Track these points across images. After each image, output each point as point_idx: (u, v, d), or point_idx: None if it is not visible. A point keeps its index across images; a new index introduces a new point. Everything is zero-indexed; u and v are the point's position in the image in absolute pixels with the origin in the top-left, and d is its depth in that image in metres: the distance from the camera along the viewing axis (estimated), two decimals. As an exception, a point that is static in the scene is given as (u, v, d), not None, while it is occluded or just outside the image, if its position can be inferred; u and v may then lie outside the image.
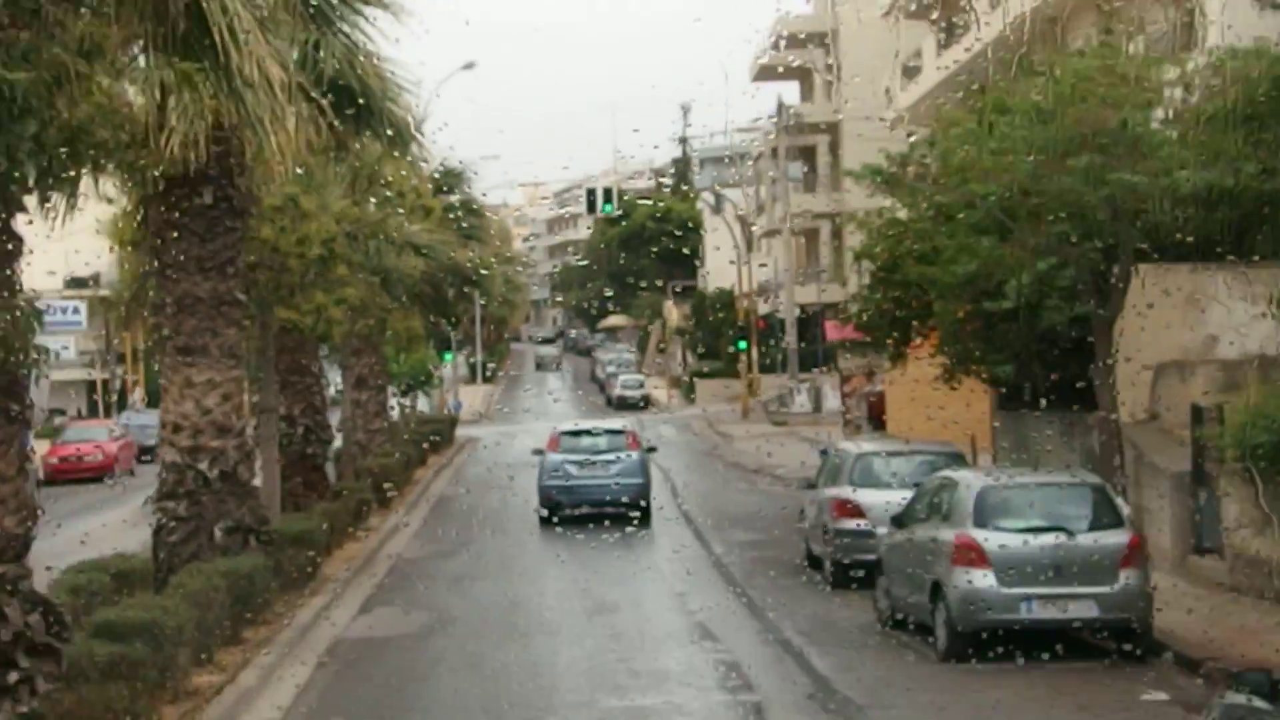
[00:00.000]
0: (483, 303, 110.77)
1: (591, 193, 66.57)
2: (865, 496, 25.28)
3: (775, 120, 71.40)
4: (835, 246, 79.99)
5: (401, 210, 28.76)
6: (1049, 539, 18.99)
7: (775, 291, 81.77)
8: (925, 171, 27.15)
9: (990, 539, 18.99)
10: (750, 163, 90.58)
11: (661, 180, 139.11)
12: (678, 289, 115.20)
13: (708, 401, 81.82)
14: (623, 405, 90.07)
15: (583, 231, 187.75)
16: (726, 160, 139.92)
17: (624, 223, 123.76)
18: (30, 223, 15.36)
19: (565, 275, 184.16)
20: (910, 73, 62.33)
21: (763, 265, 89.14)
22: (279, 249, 26.01)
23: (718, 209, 78.58)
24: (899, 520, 21.67)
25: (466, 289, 44.91)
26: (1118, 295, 23.58)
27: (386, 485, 38.23)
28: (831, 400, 66.81)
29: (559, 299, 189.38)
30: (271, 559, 22.35)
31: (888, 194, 29.65)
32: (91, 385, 72.27)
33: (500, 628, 22.64)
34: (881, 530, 23.64)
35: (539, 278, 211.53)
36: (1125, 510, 20.27)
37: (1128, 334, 24.40)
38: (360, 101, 23.01)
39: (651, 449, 37.64)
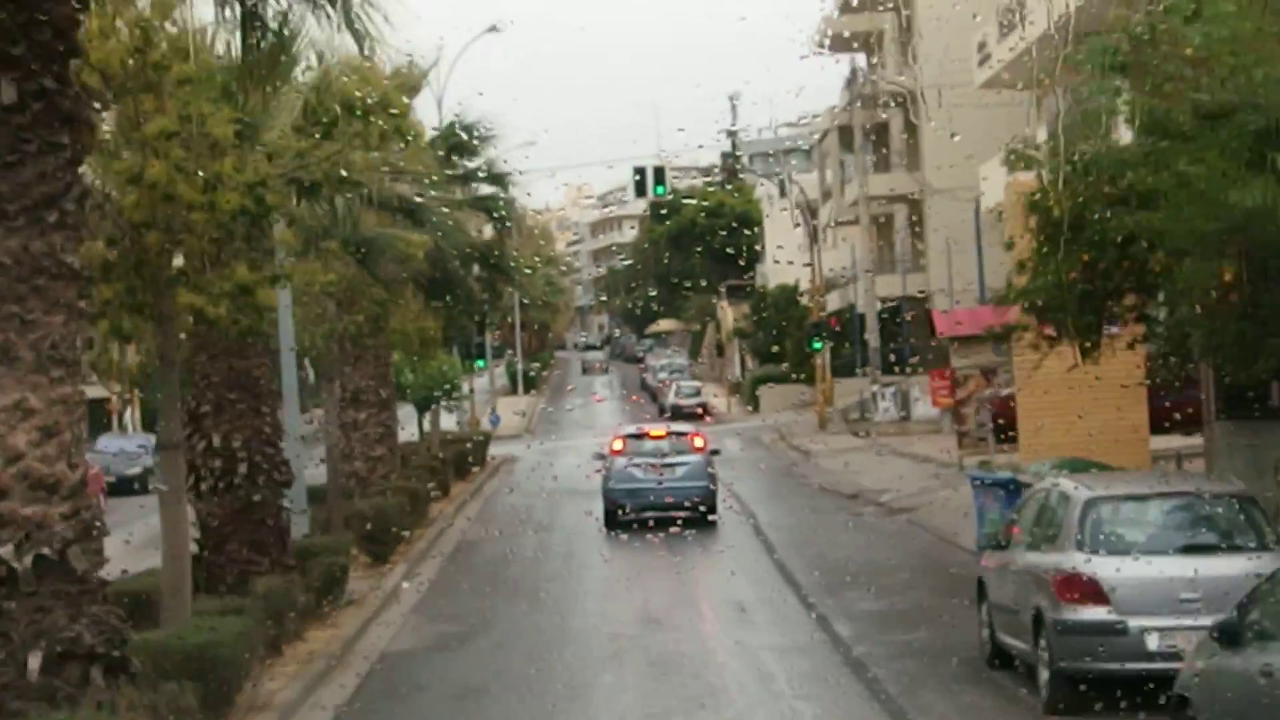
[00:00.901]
0: (525, 301, 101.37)
1: (640, 173, 57.04)
2: (1106, 568, 15.60)
3: (852, 83, 61.66)
4: (914, 232, 70.23)
5: (375, 148, 18.86)
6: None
7: (850, 284, 72.00)
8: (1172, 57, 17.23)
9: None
10: (809, 148, 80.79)
11: (708, 180, 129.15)
12: (732, 288, 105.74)
13: (773, 410, 72.17)
14: (677, 415, 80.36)
15: (627, 234, 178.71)
16: (773, 155, 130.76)
17: (670, 221, 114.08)
18: None
19: (611, 279, 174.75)
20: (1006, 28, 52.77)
21: (837, 247, 79.47)
22: (176, 196, 16.58)
23: (783, 192, 68.80)
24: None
25: (490, 275, 35.20)
26: None
27: (394, 529, 28.79)
28: (922, 406, 57.07)
29: (604, 299, 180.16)
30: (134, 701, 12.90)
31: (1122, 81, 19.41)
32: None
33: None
34: (1138, 622, 14.59)
35: (584, 282, 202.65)
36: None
37: None
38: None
39: (715, 451, 36.06)
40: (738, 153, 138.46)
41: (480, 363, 57.36)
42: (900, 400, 57.94)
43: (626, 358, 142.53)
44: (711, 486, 33.57)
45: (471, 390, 58.91)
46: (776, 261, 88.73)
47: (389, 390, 34.08)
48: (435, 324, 37.52)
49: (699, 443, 34.64)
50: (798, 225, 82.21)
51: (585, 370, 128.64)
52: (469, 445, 49.06)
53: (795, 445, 54.44)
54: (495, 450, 62.11)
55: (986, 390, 37.96)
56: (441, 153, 33.27)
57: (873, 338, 59.14)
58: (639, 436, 34.58)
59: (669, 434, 35.15)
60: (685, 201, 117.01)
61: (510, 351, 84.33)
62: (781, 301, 79.95)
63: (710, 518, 33.26)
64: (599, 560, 29.86)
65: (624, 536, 32.80)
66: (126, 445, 50.23)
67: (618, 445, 34.23)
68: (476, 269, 33.40)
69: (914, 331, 63.72)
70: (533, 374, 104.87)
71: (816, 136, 79.59)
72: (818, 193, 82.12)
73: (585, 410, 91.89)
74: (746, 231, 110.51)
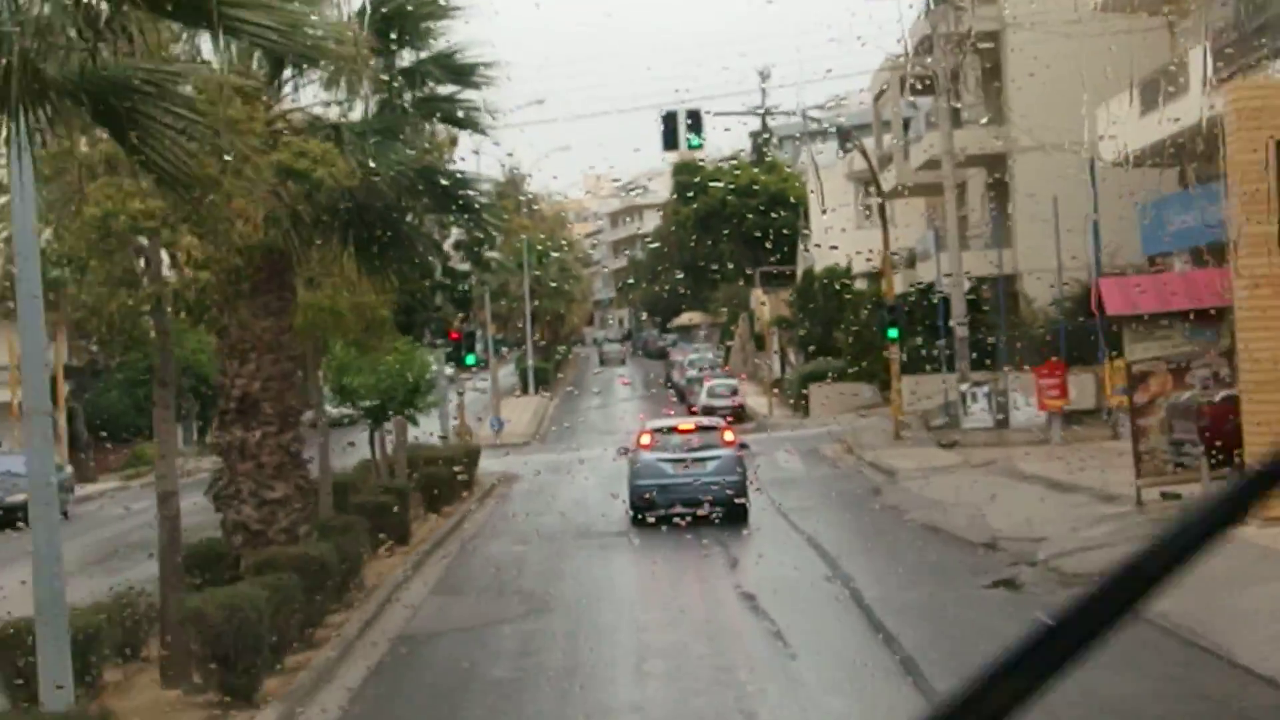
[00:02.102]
0: (534, 288, 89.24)
1: (670, 120, 44.75)
2: None
3: (936, 6, 49.21)
4: (997, 199, 57.88)
5: None
6: None
7: (918, 262, 59.61)
8: None
9: None
10: (867, 107, 68.35)
11: (734, 164, 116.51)
12: (767, 275, 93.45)
13: (826, 412, 59.89)
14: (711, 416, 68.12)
15: (649, 225, 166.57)
16: (800, 139, 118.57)
17: (697, 202, 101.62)
18: None
19: (633, 269, 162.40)
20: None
21: (895, 222, 67.04)
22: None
23: (845, 148, 56.39)
24: None
25: (449, 212, 22.64)
26: None
27: (261, 650, 16.49)
28: (1024, 411, 44.76)
29: (631, 282, 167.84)
30: None
31: None
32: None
33: None
34: None
35: (604, 275, 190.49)
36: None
37: None
38: None
39: (744, 445, 34.28)
40: (767, 133, 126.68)
41: (470, 358, 45.09)
42: (994, 403, 45.56)
43: (649, 352, 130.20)
44: (744, 479, 31.95)
45: (461, 393, 46.61)
46: (818, 245, 76.27)
47: (294, 396, 21.69)
48: (382, 299, 25.25)
49: (729, 436, 33.25)
50: (870, 192, 69.84)
51: (603, 361, 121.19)
52: (453, 465, 36.77)
53: (871, 461, 42.06)
54: (492, 464, 49.95)
55: (1184, 394, 25.50)
56: (375, 30, 20.81)
57: (960, 325, 46.75)
58: (667, 431, 33.21)
59: (698, 428, 33.66)
60: (712, 185, 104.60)
61: (515, 351, 71.43)
62: (831, 285, 67.59)
63: (738, 501, 31.46)
64: (629, 669, 17.60)
65: (663, 630, 20.35)
66: (13, 465, 37.98)
67: (645, 439, 32.73)
68: (427, 203, 20.93)
69: (1004, 316, 51.48)
70: (546, 370, 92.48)
71: (874, 92, 67.13)
72: (874, 160, 69.67)
73: (604, 411, 79.52)
74: (782, 212, 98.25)
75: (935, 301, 51.87)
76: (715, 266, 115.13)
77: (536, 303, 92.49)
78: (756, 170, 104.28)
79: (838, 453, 45.96)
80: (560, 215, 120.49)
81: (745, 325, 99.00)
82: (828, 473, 41.47)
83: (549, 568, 26.27)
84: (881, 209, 60.67)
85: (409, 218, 21.72)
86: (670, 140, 44.92)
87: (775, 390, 71.40)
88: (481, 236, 33.90)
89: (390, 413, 30.65)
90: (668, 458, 31.84)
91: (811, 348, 68.48)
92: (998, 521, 28.24)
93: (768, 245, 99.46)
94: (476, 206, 21.72)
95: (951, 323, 47.15)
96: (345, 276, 23.68)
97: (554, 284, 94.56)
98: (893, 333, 45.80)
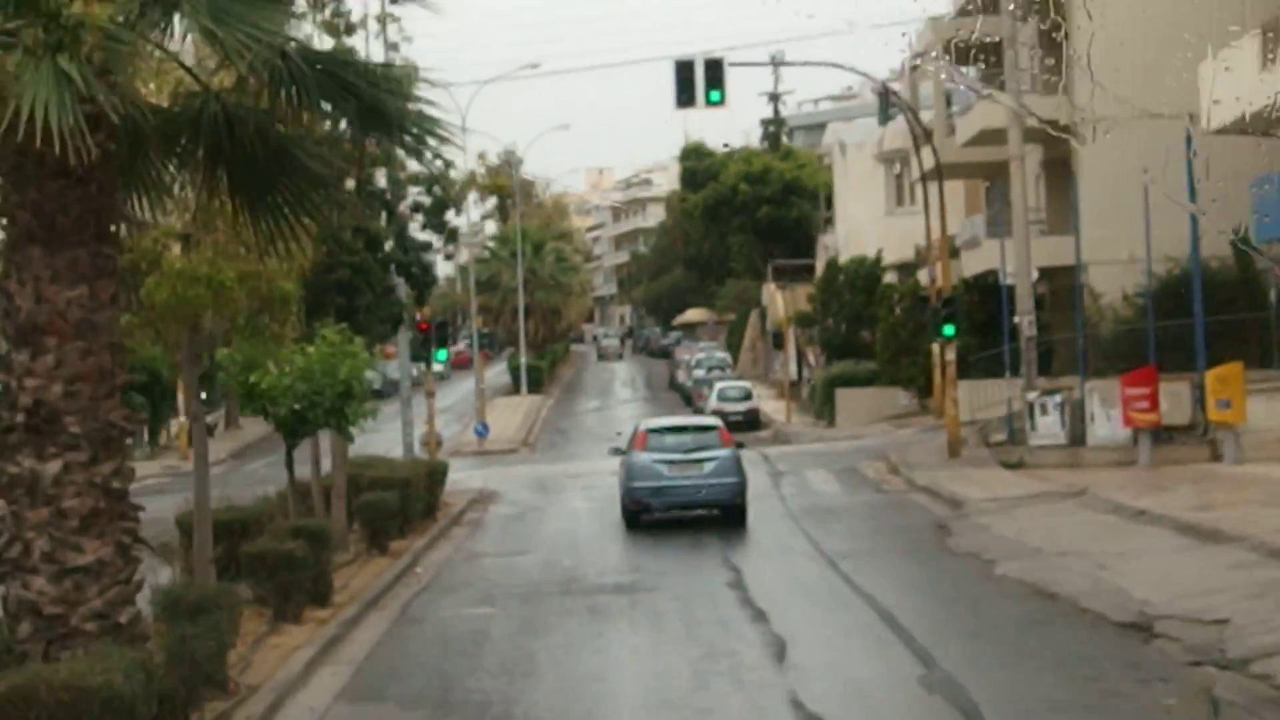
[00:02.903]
0: (531, 287, 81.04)
1: (685, 71, 36.93)
2: None
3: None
4: (1055, 179, 50.08)
5: None
6: None
7: (968, 249, 51.71)
8: None
9: None
10: (904, 74, 60.31)
11: (746, 151, 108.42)
12: (781, 269, 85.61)
13: (856, 421, 52.10)
14: (722, 425, 60.31)
15: (651, 220, 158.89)
16: (810, 130, 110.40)
17: (706, 189, 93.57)
18: None
19: (635, 263, 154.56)
20: None
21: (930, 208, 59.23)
22: None
23: (887, 111, 48.55)
24: None
25: (381, 140, 14.59)
26: None
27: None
28: (1105, 426, 36.92)
29: (625, 281, 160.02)
30: None
31: None
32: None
33: None
34: None
35: (605, 271, 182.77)
36: None
37: None
38: None
39: (740, 445, 32.22)
40: (781, 118, 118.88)
41: (441, 354, 37.29)
42: (1067, 414, 37.62)
43: (651, 351, 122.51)
44: (742, 481, 30.68)
45: (430, 394, 38.73)
46: (839, 232, 68.36)
47: (114, 407, 13.79)
48: (285, 268, 17.40)
49: (726, 435, 31.95)
50: (902, 175, 62.02)
51: (601, 356, 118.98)
52: (408, 488, 28.90)
53: (926, 485, 34.10)
54: (472, 477, 42.30)
55: None
56: None
57: (1027, 323, 38.80)
58: (663, 431, 31.83)
59: (695, 427, 32.57)
60: (722, 151, 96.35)
61: (489, 342, 63.16)
62: (860, 278, 59.73)
63: (737, 503, 30.27)
64: None
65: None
66: None
67: (638, 441, 31.36)
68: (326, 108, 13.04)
69: (1079, 313, 43.71)
70: (540, 370, 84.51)
71: (914, 62, 59.13)
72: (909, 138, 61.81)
73: (602, 415, 71.64)
74: (799, 201, 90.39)
75: (986, 296, 43.99)
76: (724, 260, 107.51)
77: (530, 296, 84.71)
78: (770, 156, 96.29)
79: (880, 473, 38.04)
80: (560, 204, 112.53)
81: (756, 323, 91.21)
82: (873, 500, 33.54)
83: (518, 651, 18.37)
84: (940, 177, 52.68)
85: (304, 132, 13.87)
86: (685, 95, 37.08)
87: (792, 394, 63.48)
88: (436, 188, 26.17)
89: (306, 428, 22.69)
90: (664, 459, 30.42)
91: (835, 347, 60.57)
92: (1136, 585, 20.35)
93: (782, 237, 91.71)
94: (401, 116, 13.75)
95: (1016, 319, 39.23)
96: (238, 235, 15.94)
97: (550, 276, 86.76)
98: (949, 329, 37.84)
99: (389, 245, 25.88)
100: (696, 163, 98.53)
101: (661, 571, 24.70)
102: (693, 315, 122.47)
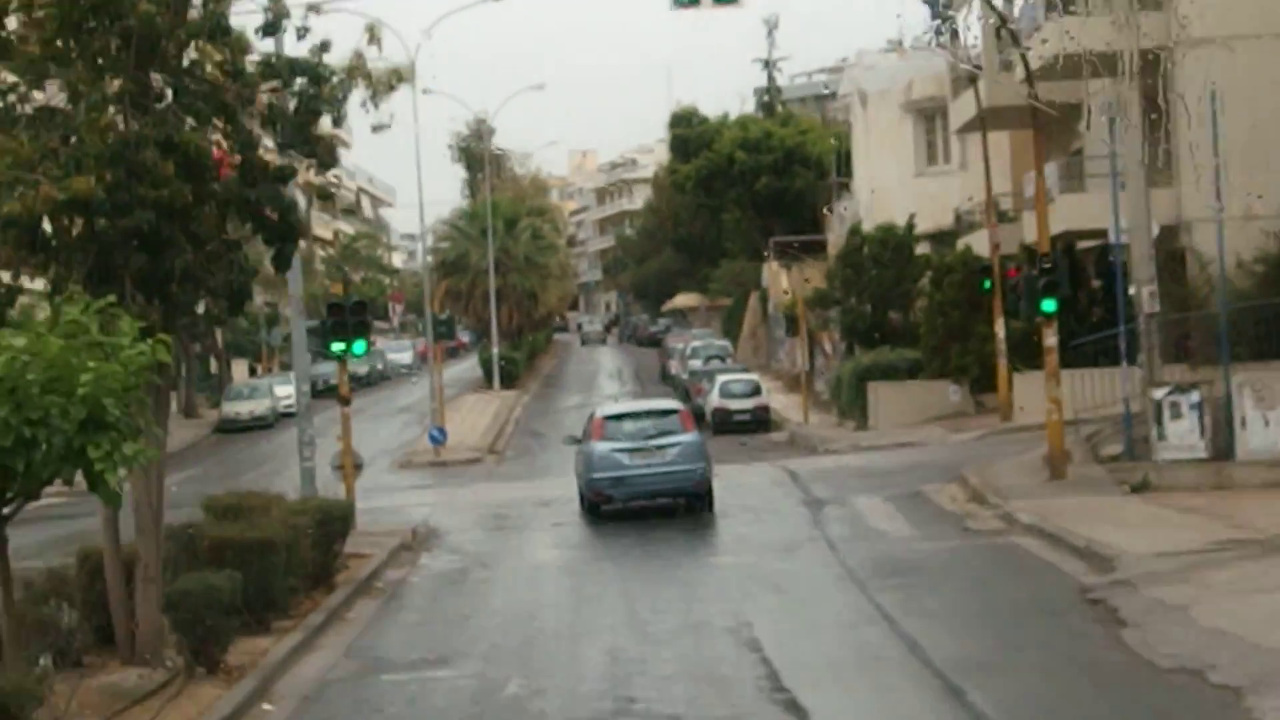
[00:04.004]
0: (504, 268, 69.95)
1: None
2: None
3: None
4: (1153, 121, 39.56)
5: None
6: None
7: (1032, 208, 41.18)
8: None
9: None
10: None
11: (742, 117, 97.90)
12: (784, 246, 75.30)
13: (894, 421, 41.74)
14: (726, 426, 50.18)
15: (638, 201, 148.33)
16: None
17: (699, 159, 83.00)
18: None
19: (621, 247, 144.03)
20: None
21: (968, 166, 48.68)
22: None
23: (939, 32, 38.22)
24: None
25: None
26: None
27: None
28: (1262, 433, 26.68)
29: (610, 266, 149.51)
30: None
31: None
32: None
33: None
34: None
35: (589, 257, 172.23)
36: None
37: None
38: None
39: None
40: (777, 86, 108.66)
41: (359, 346, 26.81)
42: (1203, 418, 27.24)
43: (640, 340, 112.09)
44: (707, 466, 28.66)
45: (346, 399, 28.20)
46: (857, 198, 57.92)
47: None
48: None
49: (687, 418, 30.04)
50: (934, 129, 51.66)
51: (585, 342, 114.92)
52: (268, 555, 18.44)
53: (1032, 523, 23.53)
54: (411, 503, 32.21)
55: None
56: None
57: (1148, 294, 28.35)
58: (620, 417, 29.84)
59: (654, 412, 30.29)
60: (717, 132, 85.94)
61: (445, 330, 52.53)
62: (888, 249, 49.31)
63: (702, 490, 28.43)
64: None
65: None
66: None
67: (595, 429, 29.31)
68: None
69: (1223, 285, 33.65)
70: (515, 361, 73.94)
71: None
72: (942, 87, 51.39)
73: (585, 414, 60.89)
74: (802, 171, 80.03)
75: (1077, 260, 33.70)
76: (717, 240, 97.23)
77: (503, 278, 74.18)
78: (769, 122, 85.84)
79: (958, 500, 27.54)
80: (539, 182, 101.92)
81: (757, 307, 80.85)
82: (965, 549, 23.06)
83: None
84: (982, 128, 42.48)
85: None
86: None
87: (807, 388, 53.05)
88: (301, 80, 15.90)
89: (30, 473, 12.25)
90: (623, 447, 28.88)
91: (862, 334, 50.12)
92: None
93: (784, 211, 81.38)
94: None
95: (1132, 289, 28.83)
96: None
97: (525, 257, 76.22)
98: (1049, 304, 27.22)
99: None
100: (688, 130, 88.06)
101: (673, 714, 14.37)
102: (683, 300, 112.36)
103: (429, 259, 75.41)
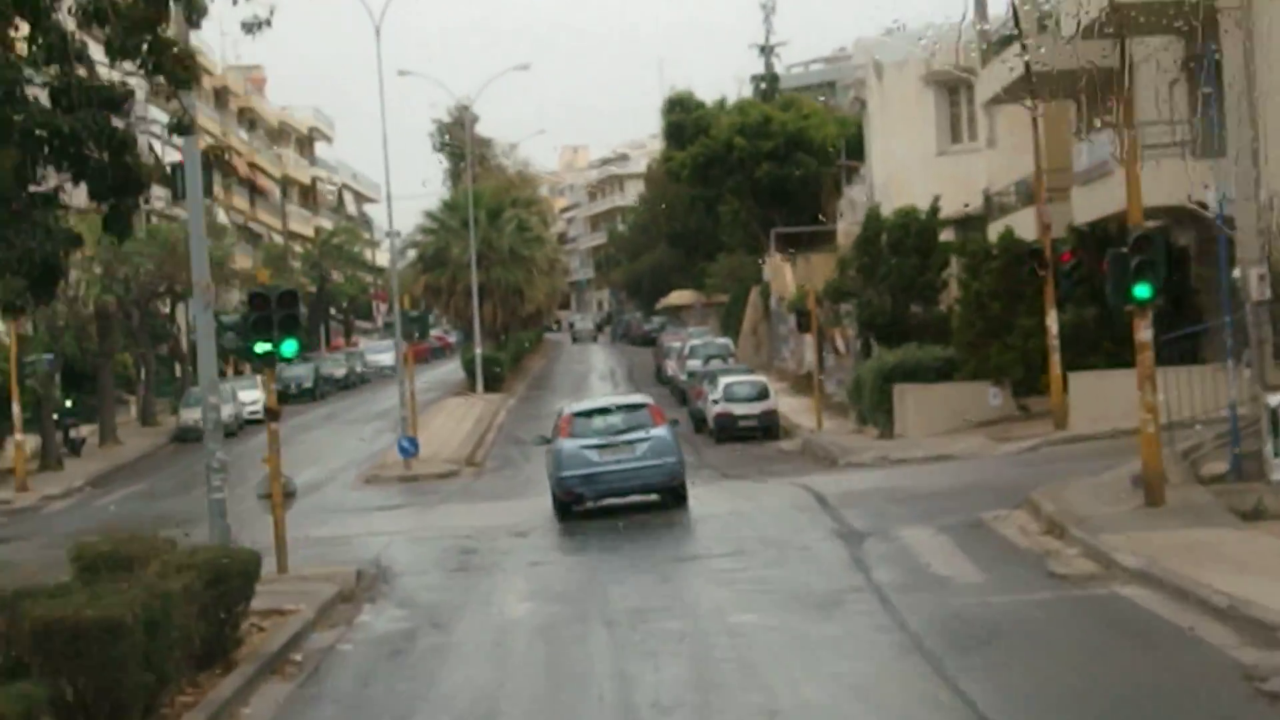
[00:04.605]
0: (487, 262, 64.00)
1: None
2: None
3: None
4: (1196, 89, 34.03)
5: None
6: None
7: (1084, 181, 35.77)
8: None
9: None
10: None
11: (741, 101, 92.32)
12: (789, 238, 70.09)
13: (926, 427, 36.34)
14: (730, 433, 44.95)
15: (630, 196, 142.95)
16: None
17: (696, 145, 77.54)
18: None
19: (613, 243, 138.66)
20: None
21: (995, 142, 43.35)
22: None
23: None
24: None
25: None
26: None
27: None
28: None
29: (602, 264, 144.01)
30: None
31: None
32: None
33: None
34: None
35: (581, 254, 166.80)
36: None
37: None
38: None
39: (674, 422, 30.02)
40: (775, 73, 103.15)
41: (289, 345, 21.34)
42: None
43: (633, 339, 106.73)
44: (680, 461, 28.46)
45: (274, 413, 22.65)
46: (874, 176, 52.54)
47: None
48: None
49: (658, 412, 29.39)
50: (958, 102, 46.26)
51: (576, 340, 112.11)
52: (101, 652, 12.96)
53: (1143, 569, 18.15)
54: (359, 532, 26.98)
55: None
56: None
57: (1256, 277, 22.97)
58: (589, 414, 29.32)
59: (623, 407, 29.95)
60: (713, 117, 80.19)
61: (417, 326, 46.86)
62: (910, 235, 43.91)
63: (675, 484, 28.20)
64: None
65: None
66: None
67: (563, 426, 28.86)
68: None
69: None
70: (499, 362, 68.43)
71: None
72: (969, 56, 45.90)
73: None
74: (803, 156, 74.64)
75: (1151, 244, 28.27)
76: (714, 233, 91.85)
77: (486, 273, 68.65)
78: (769, 106, 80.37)
79: (1028, 531, 22.07)
80: (528, 176, 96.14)
81: (758, 303, 75.48)
82: (1052, 603, 17.59)
83: None
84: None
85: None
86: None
87: (817, 391, 47.62)
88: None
89: None
90: (592, 444, 28.18)
91: (878, 328, 44.67)
92: None
93: (785, 200, 76.01)
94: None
95: (1236, 272, 23.44)
96: None
97: (510, 249, 70.63)
98: (1143, 290, 21.66)
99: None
100: (683, 115, 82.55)
101: None
102: (678, 297, 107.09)
103: (410, 253, 70.06)
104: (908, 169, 48.63)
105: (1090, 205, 34.94)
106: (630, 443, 27.98)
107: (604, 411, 29.51)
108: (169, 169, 61.49)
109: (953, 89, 48.26)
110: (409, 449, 41.66)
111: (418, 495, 37.54)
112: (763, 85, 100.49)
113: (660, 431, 28.15)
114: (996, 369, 35.64)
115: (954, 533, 22.57)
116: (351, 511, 34.73)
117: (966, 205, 39.92)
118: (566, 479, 27.97)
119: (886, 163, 50.77)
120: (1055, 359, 32.50)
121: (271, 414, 22.51)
